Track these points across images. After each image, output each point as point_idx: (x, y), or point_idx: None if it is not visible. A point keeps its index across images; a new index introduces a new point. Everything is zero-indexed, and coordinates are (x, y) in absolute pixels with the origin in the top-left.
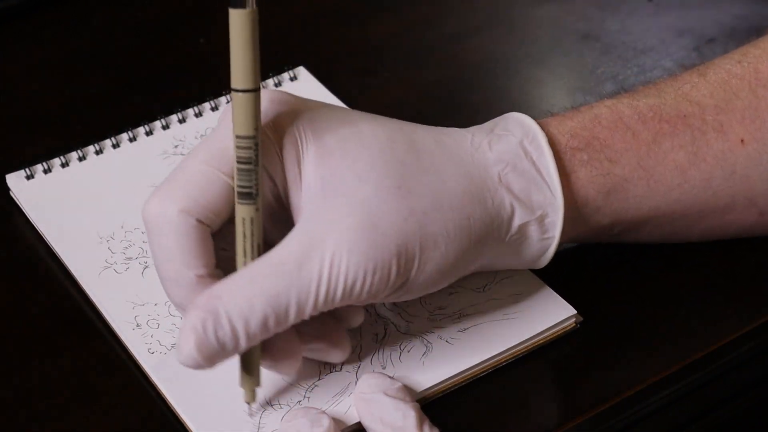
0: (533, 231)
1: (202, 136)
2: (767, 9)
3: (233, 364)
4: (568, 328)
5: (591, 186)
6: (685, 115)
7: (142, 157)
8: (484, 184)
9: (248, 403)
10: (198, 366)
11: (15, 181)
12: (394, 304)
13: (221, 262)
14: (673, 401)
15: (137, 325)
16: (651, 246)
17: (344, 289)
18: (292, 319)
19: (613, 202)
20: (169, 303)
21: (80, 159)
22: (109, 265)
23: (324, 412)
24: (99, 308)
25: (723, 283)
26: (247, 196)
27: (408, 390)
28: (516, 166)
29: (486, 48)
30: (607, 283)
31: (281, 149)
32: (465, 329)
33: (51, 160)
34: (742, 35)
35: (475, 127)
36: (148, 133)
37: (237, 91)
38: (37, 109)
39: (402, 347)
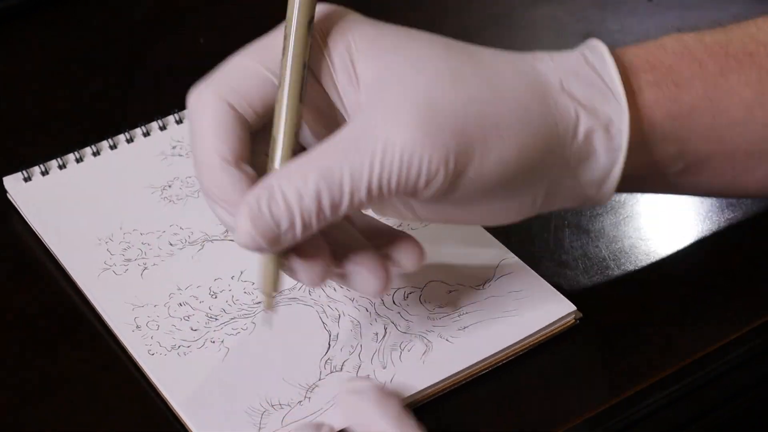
0: (599, 140)
1: None
2: (766, 9)
3: (233, 364)
4: (568, 324)
5: (657, 108)
6: (751, 53)
7: (140, 159)
8: (546, 89)
9: (266, 311)
10: (256, 245)
11: (12, 183)
12: (394, 302)
13: (258, 168)
14: (673, 401)
15: (137, 327)
16: (651, 244)
17: (400, 170)
18: (346, 200)
19: (680, 130)
20: (169, 304)
21: (78, 161)
22: (108, 267)
23: (323, 423)
24: (98, 310)
25: (723, 283)
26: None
27: (388, 392)
28: (578, 73)
29: None
30: (607, 280)
31: (330, 51)
32: (465, 327)
33: (48, 162)
34: None
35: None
36: (146, 134)
37: None
38: (34, 110)
39: (402, 346)
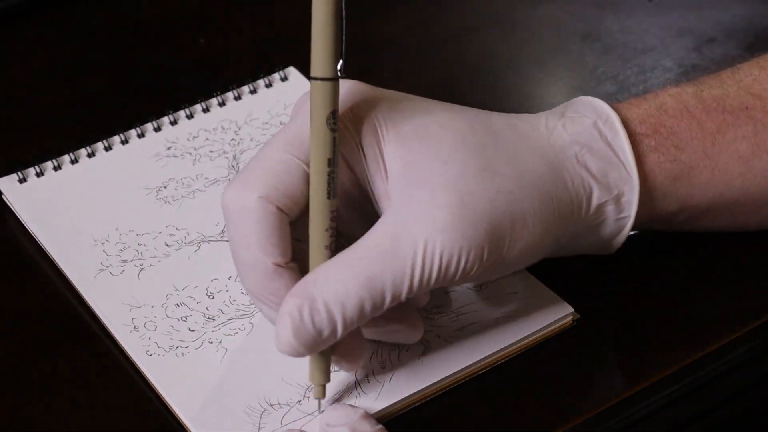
0: (610, 211)
1: (194, 137)
2: (767, 9)
3: (231, 364)
4: (566, 325)
5: (659, 171)
6: (747, 107)
7: (135, 160)
8: (563, 165)
9: (317, 399)
10: (296, 353)
11: (7, 184)
12: None
13: (295, 253)
14: (673, 401)
15: (134, 328)
16: (650, 244)
17: (439, 270)
18: (387, 302)
19: (680, 189)
20: (166, 305)
21: (72, 162)
22: (105, 268)
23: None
24: (95, 311)
25: (723, 283)
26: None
27: (370, 418)
28: (592, 147)
29: (486, 48)
30: (604, 281)
31: (360, 139)
32: (462, 328)
33: (43, 164)
34: (741, 35)
35: (545, 111)
36: (140, 136)
37: (316, 79)
38: (28, 111)
39: (400, 346)
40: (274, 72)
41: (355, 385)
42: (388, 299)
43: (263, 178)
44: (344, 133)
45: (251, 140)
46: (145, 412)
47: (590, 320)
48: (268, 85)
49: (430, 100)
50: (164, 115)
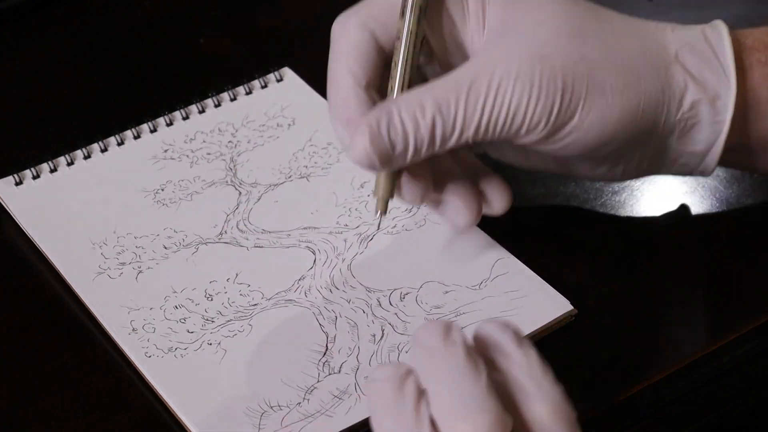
0: (705, 111)
1: (191, 140)
2: (767, 9)
3: (231, 366)
4: (564, 321)
5: (765, 86)
6: None
7: (132, 162)
8: (659, 56)
9: (379, 213)
10: (370, 163)
11: (3, 187)
12: (390, 303)
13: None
14: (673, 401)
15: (133, 330)
16: (650, 241)
17: (507, 114)
18: (456, 134)
19: None
20: (164, 307)
21: (69, 164)
22: (103, 271)
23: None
24: (94, 313)
25: (723, 283)
26: (422, 10)
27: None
28: (694, 47)
29: None
30: (603, 278)
31: None
32: (462, 328)
33: (39, 165)
34: None
35: None
36: (136, 137)
37: None
38: (23, 113)
39: (400, 347)
40: (269, 73)
41: (355, 387)
42: (457, 129)
43: (367, 8)
44: None
45: (248, 142)
46: (144, 413)
47: (590, 317)
48: (264, 86)
49: None
50: (159, 116)
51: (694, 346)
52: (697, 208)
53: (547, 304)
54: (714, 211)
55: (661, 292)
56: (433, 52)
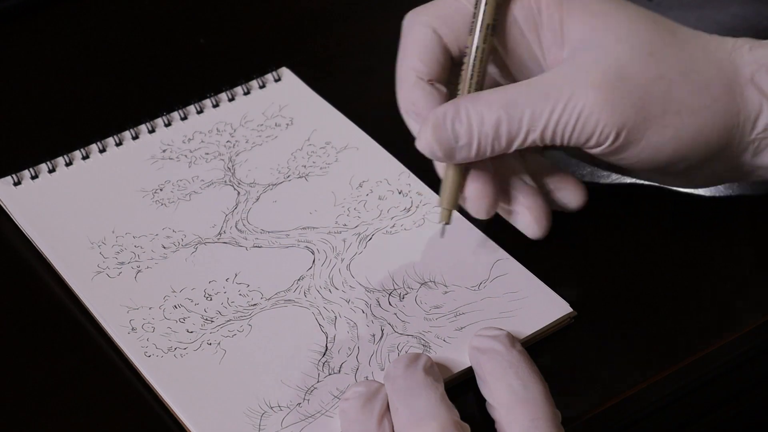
0: None
1: (190, 140)
2: (767, 9)
3: (230, 366)
4: (564, 323)
5: None
6: None
7: (130, 162)
8: (734, 78)
9: (443, 224)
10: (433, 153)
11: (2, 187)
12: (390, 303)
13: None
14: (673, 401)
15: (132, 329)
16: (650, 243)
17: (575, 125)
18: (521, 136)
19: None
20: (164, 307)
21: (67, 164)
22: (102, 270)
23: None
24: (93, 313)
25: (722, 284)
26: (489, 27)
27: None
28: None
29: None
30: (602, 279)
31: (542, 10)
32: (461, 328)
33: (38, 166)
34: (741, 35)
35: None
36: (135, 137)
37: None
38: (22, 114)
39: (400, 348)
40: (267, 73)
41: None
42: (522, 131)
43: (436, 9)
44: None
45: (246, 142)
46: (144, 413)
47: (589, 319)
48: (262, 86)
49: None
50: (158, 117)
51: (694, 346)
52: (697, 208)
53: (547, 307)
54: (714, 211)
55: (661, 293)
56: (504, 65)
